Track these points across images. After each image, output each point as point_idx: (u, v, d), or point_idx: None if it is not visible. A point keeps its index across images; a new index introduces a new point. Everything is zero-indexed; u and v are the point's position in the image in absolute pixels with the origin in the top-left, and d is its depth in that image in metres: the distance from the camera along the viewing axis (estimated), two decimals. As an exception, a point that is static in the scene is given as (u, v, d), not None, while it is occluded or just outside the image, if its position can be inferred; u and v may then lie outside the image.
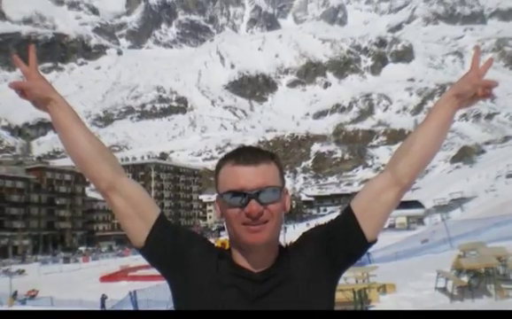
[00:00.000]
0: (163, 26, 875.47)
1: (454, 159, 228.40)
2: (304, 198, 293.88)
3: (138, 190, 2.63)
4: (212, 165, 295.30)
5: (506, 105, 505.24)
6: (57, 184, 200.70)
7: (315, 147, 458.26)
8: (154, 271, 2.73)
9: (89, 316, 4.66)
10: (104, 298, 42.34)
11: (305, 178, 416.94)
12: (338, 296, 12.37)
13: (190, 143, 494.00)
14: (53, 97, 2.59)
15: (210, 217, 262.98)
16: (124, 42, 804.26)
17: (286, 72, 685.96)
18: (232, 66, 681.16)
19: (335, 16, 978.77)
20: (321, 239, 2.56)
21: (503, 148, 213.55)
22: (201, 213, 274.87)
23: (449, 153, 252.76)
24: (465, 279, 18.30)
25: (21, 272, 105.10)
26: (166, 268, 2.56)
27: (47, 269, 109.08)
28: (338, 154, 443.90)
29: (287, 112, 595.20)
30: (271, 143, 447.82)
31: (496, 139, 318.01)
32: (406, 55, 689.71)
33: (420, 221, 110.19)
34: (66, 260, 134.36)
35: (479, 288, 17.52)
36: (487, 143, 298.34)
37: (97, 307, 39.95)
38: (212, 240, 2.89)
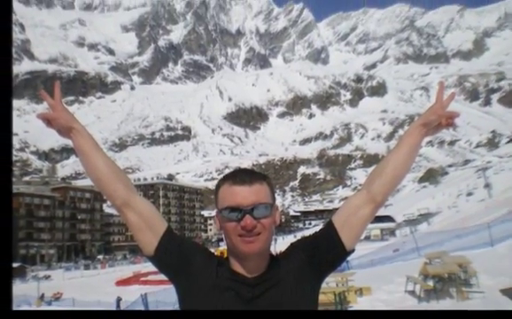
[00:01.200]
0: (170, 64, 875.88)
1: (422, 180, 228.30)
2: (292, 213, 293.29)
3: (148, 207, 2.65)
4: (212, 185, 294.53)
5: (466, 133, 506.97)
6: (78, 201, 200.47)
7: (301, 169, 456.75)
8: (163, 276, 2.72)
9: (105, 316, 4.69)
10: (119, 299, 42.22)
11: (292, 196, 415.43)
12: (321, 298, 12.40)
13: (194, 166, 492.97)
14: (75, 126, 2.64)
15: (210, 230, 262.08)
16: (136, 79, 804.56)
17: (276, 104, 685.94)
18: (230, 100, 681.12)
19: (318, 56, 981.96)
20: (307, 249, 2.59)
21: (464, 170, 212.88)
22: (203, 226, 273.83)
23: (417, 175, 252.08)
24: (431, 283, 18.33)
25: (47, 277, 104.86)
26: (173, 273, 2.59)
27: (70, 275, 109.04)
28: (321, 175, 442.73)
29: (277, 139, 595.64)
30: (263, 166, 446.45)
31: (457, 162, 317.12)
32: (379, 90, 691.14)
33: (392, 233, 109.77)
34: (87, 267, 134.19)
35: (443, 291, 17.54)
36: (450, 165, 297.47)
37: (113, 308, 39.84)
38: (212, 250, 2.94)
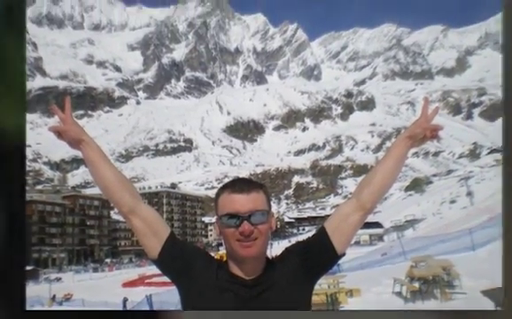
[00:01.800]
0: (173, 81, 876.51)
1: (408, 189, 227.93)
2: (286, 219, 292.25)
3: (152, 213, 2.67)
4: (212, 193, 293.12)
5: (449, 145, 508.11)
6: (87, 209, 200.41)
7: (296, 179, 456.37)
8: (166, 278, 2.73)
9: (113, 316, 4.71)
10: (125, 300, 42.11)
11: (287, 204, 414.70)
12: (314, 299, 12.44)
13: (195, 176, 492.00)
14: (84, 138, 2.67)
15: (211, 235, 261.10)
16: (141, 94, 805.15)
17: (272, 118, 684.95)
18: (229, 114, 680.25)
19: (311, 73, 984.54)
20: (301, 253, 2.61)
21: (447, 179, 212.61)
22: (203, 232, 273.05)
23: (403, 184, 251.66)
24: (416, 285, 18.42)
25: (59, 279, 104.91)
26: (175, 276, 2.60)
27: (79, 277, 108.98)
28: (314, 184, 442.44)
29: (273, 151, 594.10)
30: (260, 176, 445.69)
31: (441, 172, 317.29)
32: (368, 104, 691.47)
33: (380, 238, 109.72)
34: (95, 270, 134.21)
35: (428, 292, 17.60)
36: (434, 175, 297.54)
37: (120, 308, 39.76)
38: (212, 254, 2.96)
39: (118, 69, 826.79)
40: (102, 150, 2.76)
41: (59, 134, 2.67)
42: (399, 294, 19.22)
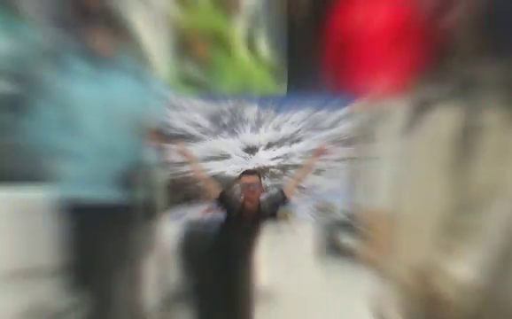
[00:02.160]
0: (224, 132, 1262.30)
1: (314, 173, 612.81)
2: (267, 185, 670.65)
3: (214, 180, 3.01)
4: (237, 175, 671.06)
5: (328, 156, 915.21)
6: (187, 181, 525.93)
7: (271, 170, 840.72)
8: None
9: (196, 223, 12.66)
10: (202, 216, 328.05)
11: (268, 180, 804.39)
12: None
13: (229, 169, 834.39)
14: (186, 152, 3.02)
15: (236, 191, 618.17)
16: (208, 137, 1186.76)
17: (261, 145, 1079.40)
18: (244, 143, 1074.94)
19: (278, 129, 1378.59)
20: (271, 199, 2.95)
21: (330, 169, 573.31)
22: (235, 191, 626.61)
23: (313, 171, 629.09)
24: (320, 212, 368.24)
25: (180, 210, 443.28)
26: (223, 208, 2.87)
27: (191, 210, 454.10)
28: (278, 172, 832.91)
29: (262, 158, 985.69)
30: (257, 168, 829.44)
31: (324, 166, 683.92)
32: (296, 141, 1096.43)
33: (304, 193, 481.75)
34: (193, 206, 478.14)
35: (323, 214, 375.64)
36: (319, 169, 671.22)
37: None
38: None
39: (199, 126, 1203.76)
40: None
41: (181, 154, 3.09)
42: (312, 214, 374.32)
